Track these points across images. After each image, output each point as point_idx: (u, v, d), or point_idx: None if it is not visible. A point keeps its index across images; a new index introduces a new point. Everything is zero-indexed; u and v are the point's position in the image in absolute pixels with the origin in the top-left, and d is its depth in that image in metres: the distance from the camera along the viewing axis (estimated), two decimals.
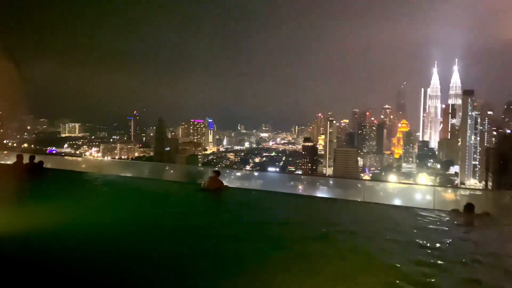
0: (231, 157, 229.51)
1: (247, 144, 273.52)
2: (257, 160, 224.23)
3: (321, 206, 14.47)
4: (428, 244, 9.04)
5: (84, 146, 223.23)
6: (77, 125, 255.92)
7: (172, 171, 23.77)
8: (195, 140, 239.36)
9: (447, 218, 11.26)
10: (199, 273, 7.01)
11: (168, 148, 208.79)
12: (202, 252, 8.08)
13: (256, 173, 52.61)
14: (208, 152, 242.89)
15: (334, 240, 9.19)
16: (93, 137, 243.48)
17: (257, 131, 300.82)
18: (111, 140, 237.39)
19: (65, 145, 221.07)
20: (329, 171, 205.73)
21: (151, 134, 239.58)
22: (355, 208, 13.93)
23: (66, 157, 52.27)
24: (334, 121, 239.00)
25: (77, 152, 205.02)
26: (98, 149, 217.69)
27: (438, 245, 9.13)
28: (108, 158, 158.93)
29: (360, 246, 8.81)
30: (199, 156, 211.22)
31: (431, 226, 10.72)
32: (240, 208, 12.90)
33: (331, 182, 24.88)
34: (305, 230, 10.09)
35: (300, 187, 19.91)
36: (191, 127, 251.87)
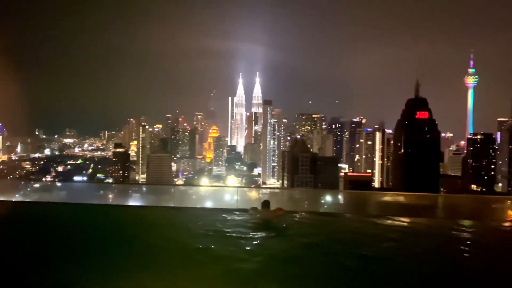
0: (27, 166, 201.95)
1: (47, 151, 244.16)
2: (60, 169, 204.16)
3: (129, 215, 13.96)
4: (228, 236, 10.61)
5: None
6: None
7: None
8: None
9: (247, 215, 12.48)
10: None
11: None
12: None
13: (59, 184, 47.55)
14: None
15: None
16: None
17: (60, 137, 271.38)
18: None
19: None
20: (142, 177, 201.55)
21: None
22: (165, 213, 13.98)
23: None
24: (147, 126, 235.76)
25: None
26: None
27: (236, 236, 10.85)
28: None
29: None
30: None
31: (231, 222, 11.88)
32: None
33: (144, 189, 24.39)
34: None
35: (110, 196, 18.89)
36: None
